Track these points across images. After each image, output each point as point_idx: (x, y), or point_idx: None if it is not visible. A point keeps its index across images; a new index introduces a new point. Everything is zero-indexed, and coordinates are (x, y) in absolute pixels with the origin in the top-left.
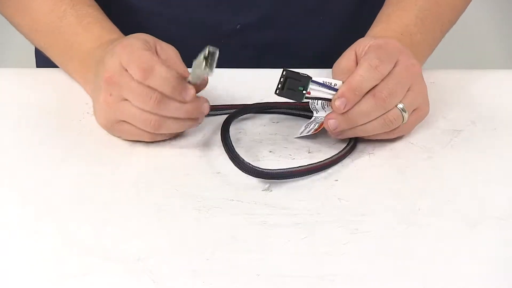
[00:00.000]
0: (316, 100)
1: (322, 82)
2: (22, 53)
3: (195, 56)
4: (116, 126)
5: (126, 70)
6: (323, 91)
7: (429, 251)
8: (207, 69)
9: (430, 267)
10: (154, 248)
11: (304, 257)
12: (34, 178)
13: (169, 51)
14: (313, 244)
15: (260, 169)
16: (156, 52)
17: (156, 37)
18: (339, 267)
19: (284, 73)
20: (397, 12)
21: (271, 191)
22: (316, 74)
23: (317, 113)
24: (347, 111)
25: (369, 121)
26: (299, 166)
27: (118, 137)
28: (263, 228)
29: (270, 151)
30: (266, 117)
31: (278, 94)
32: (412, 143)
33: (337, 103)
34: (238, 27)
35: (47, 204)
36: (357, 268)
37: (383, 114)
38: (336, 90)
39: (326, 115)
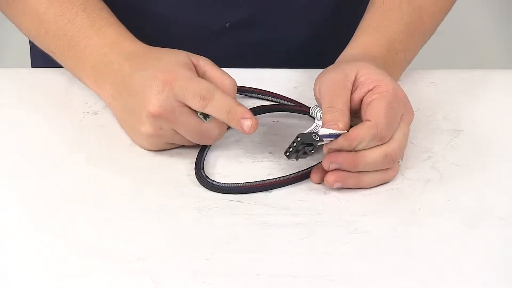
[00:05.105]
0: (317, 112)
1: (329, 134)
2: (18, 54)
3: None
4: (162, 146)
5: (181, 104)
6: (328, 141)
7: (429, 251)
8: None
9: (430, 267)
10: (154, 248)
11: (304, 257)
12: (34, 178)
13: (207, 65)
14: (313, 244)
15: (216, 184)
16: (196, 69)
17: (145, 37)
18: (339, 267)
19: (299, 140)
20: (385, 23)
21: (271, 191)
22: (308, 76)
23: (318, 120)
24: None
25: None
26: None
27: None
28: (263, 228)
29: (270, 152)
30: (266, 117)
31: (288, 158)
32: (412, 143)
33: (324, 162)
34: (227, 25)
35: (47, 204)
36: (357, 268)
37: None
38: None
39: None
